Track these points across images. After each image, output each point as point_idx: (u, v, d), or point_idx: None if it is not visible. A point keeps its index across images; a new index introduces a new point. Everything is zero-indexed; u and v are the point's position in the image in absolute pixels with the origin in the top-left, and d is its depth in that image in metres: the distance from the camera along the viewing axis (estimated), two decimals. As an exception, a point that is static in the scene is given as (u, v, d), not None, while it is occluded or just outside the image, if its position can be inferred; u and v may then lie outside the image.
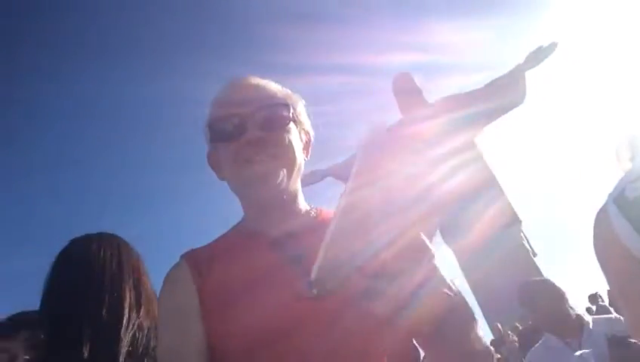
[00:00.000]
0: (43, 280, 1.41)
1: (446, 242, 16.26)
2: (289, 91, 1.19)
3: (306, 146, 1.21)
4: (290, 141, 1.12)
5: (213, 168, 1.20)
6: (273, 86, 1.17)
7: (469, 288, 15.68)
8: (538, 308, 3.00)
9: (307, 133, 1.21)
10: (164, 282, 1.11)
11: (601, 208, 1.15)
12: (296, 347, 0.94)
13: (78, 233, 1.53)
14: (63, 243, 1.43)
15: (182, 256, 1.12)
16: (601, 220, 1.14)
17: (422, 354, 1.08)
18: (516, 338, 9.55)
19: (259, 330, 0.97)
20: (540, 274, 14.90)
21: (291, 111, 1.14)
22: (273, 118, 1.11)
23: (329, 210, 1.20)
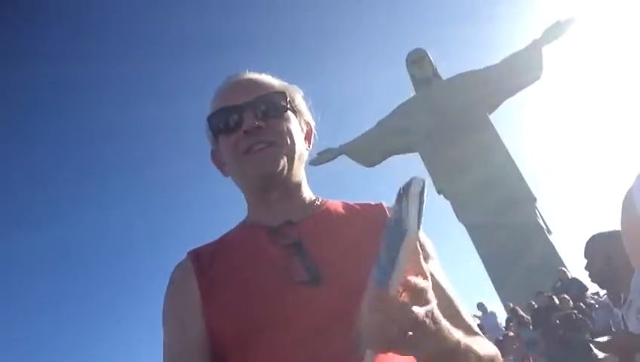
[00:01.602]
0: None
1: (459, 219, 16.31)
2: (286, 83, 1.19)
3: (308, 136, 1.20)
4: (289, 129, 1.11)
5: (217, 166, 1.21)
6: (270, 78, 1.18)
7: (483, 265, 15.71)
8: (593, 264, 2.93)
9: (308, 123, 1.20)
10: (170, 279, 1.13)
11: (629, 188, 1.16)
12: (290, 333, 0.94)
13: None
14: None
15: (188, 253, 1.14)
16: (628, 201, 1.15)
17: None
18: (524, 315, 9.56)
19: (252, 317, 0.97)
20: (555, 250, 14.89)
21: (288, 99, 1.14)
22: (270, 107, 1.11)
23: (334, 201, 1.19)
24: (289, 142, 1.10)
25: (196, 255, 1.12)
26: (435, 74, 18.00)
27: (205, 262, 1.09)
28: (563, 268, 11.52)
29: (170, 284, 1.13)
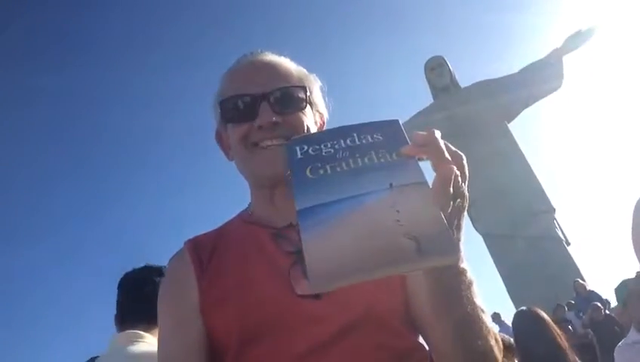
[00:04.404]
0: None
1: (476, 228, 16.12)
2: (305, 71, 1.12)
3: (320, 129, 1.13)
4: (304, 126, 1.05)
5: (221, 147, 1.16)
6: (289, 65, 1.10)
7: (499, 275, 15.50)
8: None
9: (321, 114, 1.14)
10: (167, 270, 1.10)
11: None
12: (289, 345, 0.91)
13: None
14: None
15: (185, 243, 1.10)
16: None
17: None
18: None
19: (251, 324, 0.94)
20: (573, 262, 14.65)
21: (307, 93, 1.07)
22: (288, 101, 1.04)
23: None
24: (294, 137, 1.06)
25: (194, 246, 1.08)
26: (453, 82, 17.91)
27: (205, 254, 1.05)
28: (579, 280, 11.30)
29: (167, 276, 1.09)
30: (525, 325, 3.45)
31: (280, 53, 1.13)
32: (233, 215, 1.17)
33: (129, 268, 1.97)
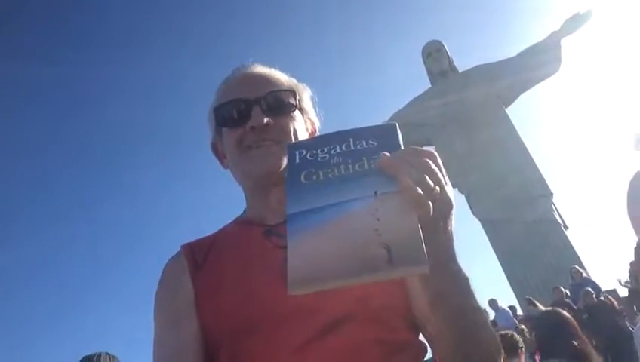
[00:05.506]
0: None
1: (474, 213, 16.20)
2: (295, 80, 1.18)
3: (311, 136, 1.17)
4: (295, 128, 1.10)
5: (217, 157, 1.20)
6: (280, 74, 1.16)
7: (497, 260, 15.60)
8: None
9: (312, 123, 1.19)
10: (163, 273, 1.12)
11: (636, 173, 1.17)
12: (284, 338, 0.93)
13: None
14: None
15: (182, 247, 1.13)
16: (635, 182, 1.17)
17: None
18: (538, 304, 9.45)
19: (246, 318, 0.96)
20: (571, 246, 14.74)
21: (297, 98, 1.13)
22: (278, 104, 1.10)
23: None
24: (293, 140, 1.08)
25: (190, 249, 1.11)
26: (452, 66, 17.87)
27: (200, 257, 1.08)
28: (576, 267, 11.34)
29: (162, 279, 1.11)
30: (550, 327, 3.47)
31: (271, 65, 1.18)
32: (229, 216, 1.20)
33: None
